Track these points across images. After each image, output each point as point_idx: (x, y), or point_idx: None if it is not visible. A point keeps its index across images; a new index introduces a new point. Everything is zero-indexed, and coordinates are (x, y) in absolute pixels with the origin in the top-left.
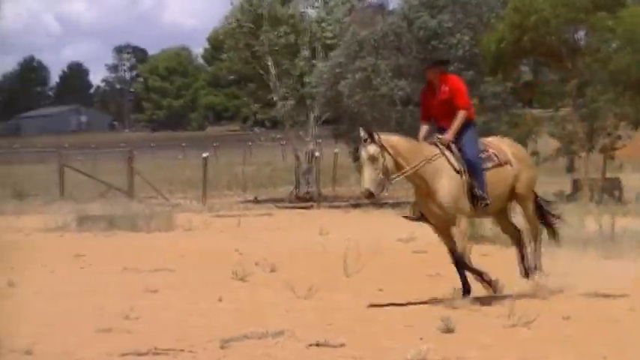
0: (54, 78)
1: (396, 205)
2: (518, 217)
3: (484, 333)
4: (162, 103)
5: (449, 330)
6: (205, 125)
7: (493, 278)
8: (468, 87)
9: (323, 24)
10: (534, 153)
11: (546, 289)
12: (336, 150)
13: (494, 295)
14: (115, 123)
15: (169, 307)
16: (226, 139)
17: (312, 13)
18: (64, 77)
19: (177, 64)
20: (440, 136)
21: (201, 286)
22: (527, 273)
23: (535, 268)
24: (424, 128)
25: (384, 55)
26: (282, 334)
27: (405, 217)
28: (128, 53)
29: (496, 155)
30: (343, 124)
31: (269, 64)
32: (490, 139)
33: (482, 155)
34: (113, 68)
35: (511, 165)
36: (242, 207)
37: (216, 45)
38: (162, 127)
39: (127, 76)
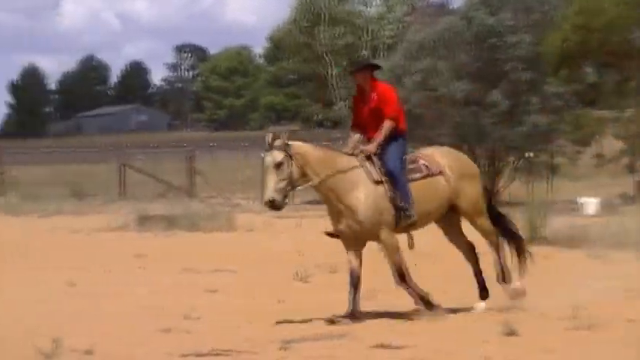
0: (114, 77)
1: None
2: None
3: (547, 336)
4: (223, 103)
5: (511, 333)
6: (266, 125)
7: (435, 302)
8: (528, 87)
9: (383, 22)
10: (599, 155)
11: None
12: None
13: (429, 313)
14: (175, 122)
15: (230, 307)
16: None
17: (371, 11)
18: (124, 76)
19: (237, 63)
20: (363, 148)
21: (261, 287)
22: (483, 288)
23: (503, 279)
24: (354, 137)
25: (444, 55)
26: (344, 335)
27: (327, 233)
28: (188, 52)
29: (426, 166)
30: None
31: (328, 64)
32: (427, 150)
33: (411, 166)
34: (173, 67)
35: (445, 177)
36: (303, 208)
37: (277, 44)
38: (222, 127)
39: (188, 75)
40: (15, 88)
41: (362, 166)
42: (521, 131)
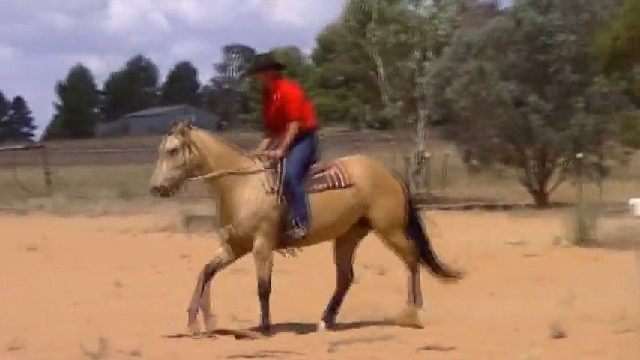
0: (162, 77)
1: (507, 207)
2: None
3: (595, 338)
4: None
5: (559, 335)
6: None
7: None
8: (576, 88)
9: (435, 21)
10: None
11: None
12: (447, 151)
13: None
14: (223, 123)
15: (277, 308)
16: (335, 140)
17: (423, 11)
18: (172, 77)
19: (285, 64)
20: (269, 153)
21: (310, 288)
22: (330, 317)
23: (414, 301)
24: (265, 140)
25: (492, 56)
26: (391, 337)
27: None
28: (236, 53)
29: (334, 176)
30: (453, 125)
31: (378, 64)
32: (344, 158)
33: (317, 175)
34: (221, 68)
35: (357, 189)
36: None
37: (326, 45)
38: None
39: (236, 75)
40: (63, 89)
41: (262, 172)
42: (569, 132)
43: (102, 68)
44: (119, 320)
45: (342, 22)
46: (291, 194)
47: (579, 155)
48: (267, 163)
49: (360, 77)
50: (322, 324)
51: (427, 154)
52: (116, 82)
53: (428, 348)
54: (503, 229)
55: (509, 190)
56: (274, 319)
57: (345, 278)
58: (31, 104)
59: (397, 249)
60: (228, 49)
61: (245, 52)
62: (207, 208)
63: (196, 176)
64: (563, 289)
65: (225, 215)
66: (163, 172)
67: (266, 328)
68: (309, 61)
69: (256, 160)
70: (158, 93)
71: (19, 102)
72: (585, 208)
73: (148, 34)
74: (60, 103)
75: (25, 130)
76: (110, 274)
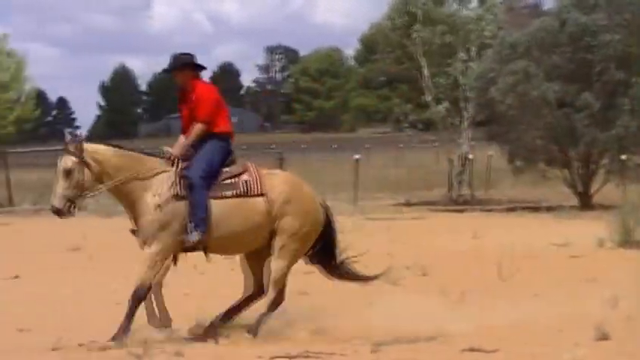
0: (205, 78)
1: (550, 208)
2: None
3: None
4: (313, 105)
5: (603, 337)
6: (356, 127)
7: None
8: (621, 88)
9: (482, 23)
10: None
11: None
12: (490, 152)
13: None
14: (266, 124)
15: (320, 309)
16: (378, 141)
17: (469, 12)
18: (215, 77)
19: (328, 65)
20: (166, 149)
21: (352, 290)
22: (224, 319)
23: (252, 332)
24: (179, 141)
25: (537, 56)
26: (434, 338)
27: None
28: (279, 54)
29: (246, 183)
30: (497, 127)
31: (422, 64)
32: (268, 171)
33: (228, 180)
34: (264, 69)
35: (267, 200)
36: (393, 210)
37: (368, 46)
38: (313, 129)
39: (278, 76)
40: (106, 90)
41: (166, 173)
42: (614, 133)
43: (144, 69)
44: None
45: (387, 23)
46: (194, 196)
47: (623, 157)
48: (170, 163)
49: (403, 78)
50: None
51: (471, 156)
52: (159, 82)
53: (471, 350)
54: (547, 231)
55: (554, 192)
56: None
57: (250, 297)
58: (74, 104)
59: (272, 275)
60: (271, 50)
61: (288, 53)
62: None
63: (96, 191)
64: (608, 291)
65: (133, 219)
66: (58, 192)
67: (121, 332)
68: (352, 62)
69: (160, 161)
70: None
71: (62, 102)
72: (629, 209)
73: (190, 34)
74: (103, 103)
75: (69, 130)
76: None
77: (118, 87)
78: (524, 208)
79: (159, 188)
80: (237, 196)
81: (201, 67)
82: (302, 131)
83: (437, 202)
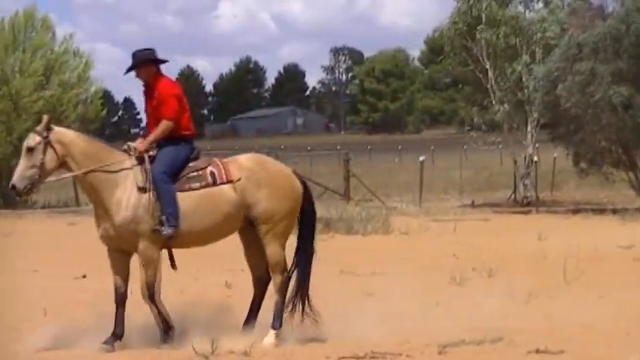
0: (270, 79)
1: (616, 211)
2: None
3: None
4: (378, 106)
5: None
6: (421, 128)
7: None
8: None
9: (545, 24)
10: None
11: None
12: (555, 154)
13: (163, 345)
14: (331, 125)
15: (386, 310)
16: (443, 143)
17: (533, 14)
18: (280, 78)
19: (393, 66)
20: (131, 144)
21: (418, 290)
22: (250, 322)
23: (275, 327)
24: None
25: (603, 59)
26: (500, 339)
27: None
28: (344, 55)
29: (213, 174)
30: (561, 128)
31: (487, 66)
32: (235, 157)
33: (193, 174)
34: (329, 70)
35: (236, 187)
36: (459, 211)
37: (433, 47)
38: (377, 130)
39: (343, 78)
40: None
41: (132, 168)
42: None
43: (210, 70)
44: (230, 321)
45: (451, 25)
46: (158, 189)
47: None
48: (135, 157)
49: (468, 80)
50: (272, 333)
51: (535, 157)
52: (224, 83)
53: (537, 351)
54: (612, 233)
55: (619, 194)
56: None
57: (260, 282)
58: (139, 105)
59: (269, 261)
60: (336, 51)
61: (353, 54)
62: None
63: (58, 175)
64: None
65: (100, 217)
66: (19, 171)
67: (166, 331)
68: (417, 63)
69: (127, 156)
70: (266, 95)
71: (127, 102)
72: None
73: (256, 35)
74: None
75: (134, 130)
76: (221, 275)
77: (184, 88)
78: (589, 210)
79: (126, 183)
80: (204, 187)
81: (162, 62)
82: (367, 132)
83: (502, 203)
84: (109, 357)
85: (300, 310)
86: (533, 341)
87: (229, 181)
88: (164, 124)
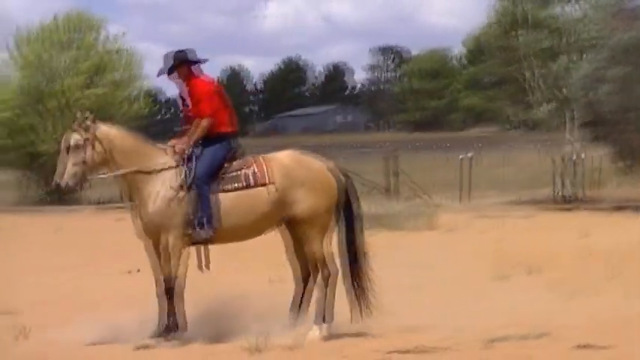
0: (316, 78)
1: None
2: None
3: None
4: (423, 104)
5: None
6: (465, 126)
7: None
8: None
9: (584, 24)
10: None
11: (315, 343)
12: (597, 152)
13: (164, 341)
14: (375, 123)
15: (433, 305)
16: (486, 141)
17: (574, 14)
18: (326, 77)
19: (437, 65)
20: (174, 144)
21: (464, 286)
22: (298, 317)
23: (323, 319)
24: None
25: None
26: (544, 335)
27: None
28: (389, 54)
29: (250, 175)
30: (602, 127)
31: (528, 66)
32: (267, 155)
33: (231, 174)
34: (374, 69)
35: (273, 187)
36: (503, 208)
37: (476, 47)
38: (422, 128)
39: (388, 76)
40: None
41: (173, 167)
42: None
43: (257, 69)
44: (273, 316)
45: (492, 25)
46: (198, 193)
47: None
48: (176, 157)
49: (509, 79)
50: (315, 328)
51: (577, 155)
52: (271, 81)
53: (582, 346)
54: None
55: None
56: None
57: (304, 278)
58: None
59: (313, 256)
60: (381, 51)
61: (397, 53)
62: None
63: (102, 173)
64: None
65: (134, 210)
66: (63, 169)
67: (175, 329)
68: (460, 63)
69: (169, 152)
70: (311, 93)
71: (173, 100)
72: None
73: (302, 35)
74: None
75: (177, 128)
76: (265, 271)
77: (230, 86)
78: (630, 208)
79: (162, 179)
80: (242, 188)
81: (199, 62)
82: (411, 130)
83: (545, 200)
84: (154, 350)
85: (359, 303)
86: (576, 336)
87: (265, 183)
88: (202, 123)
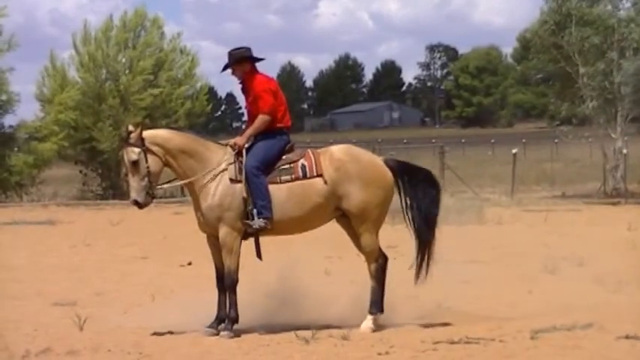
0: (368, 75)
1: None
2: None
3: None
4: (472, 101)
5: None
6: (514, 122)
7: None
8: None
9: (632, 24)
10: None
11: (368, 333)
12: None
13: (222, 332)
14: (426, 119)
15: (481, 297)
16: (534, 136)
17: (621, 13)
18: (378, 74)
19: (487, 62)
20: (232, 140)
21: (511, 278)
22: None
23: (373, 312)
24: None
25: None
26: (591, 326)
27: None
28: (440, 52)
29: (304, 167)
30: None
31: (577, 63)
32: (323, 148)
33: (285, 166)
34: (425, 66)
35: (326, 179)
36: (550, 202)
37: (525, 44)
38: (471, 124)
39: (438, 74)
40: None
41: (228, 161)
42: None
43: (310, 66)
44: (329, 305)
45: (541, 24)
46: (251, 182)
47: None
48: (233, 152)
49: (558, 75)
50: (369, 322)
51: (625, 150)
52: (324, 79)
53: (627, 337)
54: None
55: None
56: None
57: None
58: (241, 100)
59: (363, 249)
60: (432, 48)
61: (448, 51)
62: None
63: (169, 182)
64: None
65: (195, 205)
66: (135, 186)
67: (234, 320)
68: (510, 60)
69: (228, 147)
70: (364, 90)
71: (230, 97)
72: None
73: (354, 33)
74: None
75: (237, 124)
76: (320, 262)
77: (285, 83)
78: None
79: (219, 174)
80: (296, 179)
81: (258, 59)
82: (461, 126)
83: (592, 194)
84: (209, 340)
85: (425, 273)
86: (622, 328)
87: (318, 175)
88: (261, 119)
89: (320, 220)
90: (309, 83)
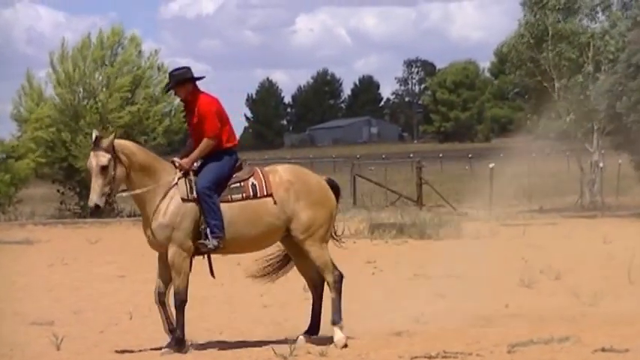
0: (346, 91)
1: None
2: None
3: None
4: (450, 115)
5: None
6: (491, 137)
7: (185, 345)
8: None
9: (606, 37)
10: None
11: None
12: (620, 160)
13: (173, 351)
14: (404, 134)
15: (458, 312)
16: (511, 151)
17: (595, 27)
18: (356, 90)
19: (464, 77)
20: (178, 161)
21: (488, 292)
22: (314, 326)
23: (335, 322)
24: (187, 148)
25: None
26: (568, 339)
27: None
28: (417, 67)
29: (253, 186)
30: (624, 137)
31: (553, 77)
32: (272, 167)
33: (235, 185)
34: (403, 81)
35: (276, 198)
36: (527, 216)
37: (503, 58)
38: (449, 139)
39: (416, 89)
40: (253, 102)
41: (177, 180)
42: None
43: (289, 82)
44: (306, 323)
45: (518, 38)
46: (205, 205)
47: None
48: (180, 173)
49: (535, 90)
50: (302, 338)
51: (601, 164)
52: (302, 95)
53: (603, 350)
54: None
55: None
56: None
57: (315, 287)
58: None
59: (316, 263)
60: (410, 63)
61: (425, 66)
62: (391, 216)
63: (124, 190)
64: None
65: (145, 224)
66: (99, 190)
67: (179, 341)
68: (487, 74)
69: (174, 167)
70: (342, 105)
71: None
72: None
73: (332, 49)
74: (250, 115)
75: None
76: (299, 279)
77: (264, 99)
78: None
79: (170, 193)
80: (246, 198)
81: (198, 79)
82: (439, 141)
83: (569, 208)
84: (178, 357)
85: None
86: (599, 340)
87: (268, 194)
88: (205, 143)
89: (271, 239)
90: (287, 99)
